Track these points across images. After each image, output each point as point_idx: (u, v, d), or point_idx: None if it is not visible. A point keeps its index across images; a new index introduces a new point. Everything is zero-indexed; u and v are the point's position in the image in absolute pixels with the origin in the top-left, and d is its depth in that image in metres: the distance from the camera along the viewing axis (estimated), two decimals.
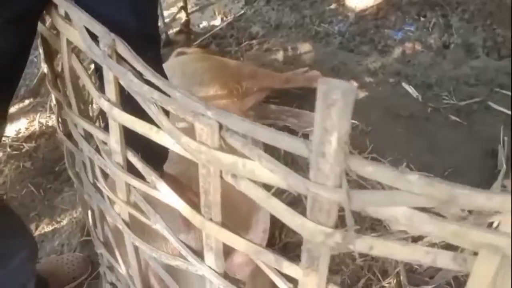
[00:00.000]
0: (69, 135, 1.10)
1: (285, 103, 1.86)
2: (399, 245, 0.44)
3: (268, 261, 0.56)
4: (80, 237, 1.48)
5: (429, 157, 1.65)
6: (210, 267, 0.66)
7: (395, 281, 1.32)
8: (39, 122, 1.86)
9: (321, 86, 0.38)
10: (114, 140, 0.71)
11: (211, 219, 0.60)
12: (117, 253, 1.02)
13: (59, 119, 1.12)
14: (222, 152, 0.50)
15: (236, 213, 0.75)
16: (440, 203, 0.39)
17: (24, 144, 1.76)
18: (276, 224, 1.37)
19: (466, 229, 0.39)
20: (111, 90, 0.65)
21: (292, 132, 1.78)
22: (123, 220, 0.81)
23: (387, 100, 1.92)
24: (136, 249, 0.86)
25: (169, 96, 0.55)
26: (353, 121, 1.75)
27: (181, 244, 0.70)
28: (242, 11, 2.62)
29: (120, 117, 0.65)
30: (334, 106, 0.38)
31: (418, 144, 1.69)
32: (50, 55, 0.95)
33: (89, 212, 1.21)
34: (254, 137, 0.47)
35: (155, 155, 0.71)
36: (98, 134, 0.79)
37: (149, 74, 0.57)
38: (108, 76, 0.64)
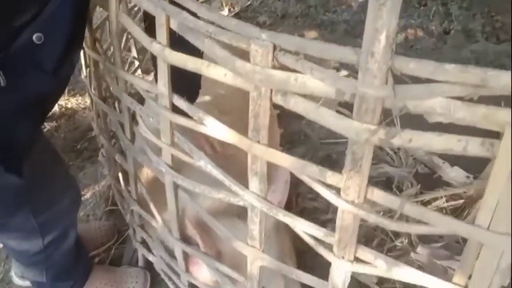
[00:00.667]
0: (103, 99, 1.17)
1: None
2: (435, 135, 0.51)
3: (313, 173, 0.64)
4: (104, 208, 1.55)
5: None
6: (253, 192, 0.74)
7: (407, 240, 1.39)
8: (59, 104, 1.93)
9: None
10: (162, 83, 0.78)
11: (258, 142, 0.67)
12: (152, 207, 1.08)
13: (91, 86, 1.20)
14: (275, 70, 0.58)
15: None
16: (473, 88, 0.46)
17: (45, 124, 1.83)
18: (292, 191, 1.44)
19: (494, 110, 0.47)
20: (162, 33, 0.73)
21: None
22: (166, 164, 0.88)
23: None
24: (175, 193, 0.93)
25: (223, 26, 0.62)
26: None
27: (225, 175, 0.77)
28: (249, 2, 2.70)
29: (171, 57, 0.73)
30: (385, 5, 0.45)
31: (423, 120, 1.77)
32: (90, 19, 1.02)
33: (120, 175, 1.28)
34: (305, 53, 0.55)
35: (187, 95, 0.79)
36: (142, 84, 0.87)
37: (203, 10, 0.64)
38: (160, 20, 0.72)
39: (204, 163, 0.81)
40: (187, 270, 1.09)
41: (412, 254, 1.35)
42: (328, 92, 0.55)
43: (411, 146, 0.53)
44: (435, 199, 1.54)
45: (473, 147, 0.51)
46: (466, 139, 0.51)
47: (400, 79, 0.50)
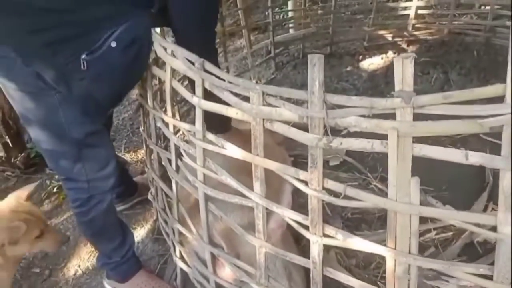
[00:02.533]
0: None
1: None
2: (354, 140, 0.87)
3: (291, 173, 0.99)
4: (151, 236, 1.91)
5: (429, 176, 2.03)
6: (257, 193, 1.09)
7: None
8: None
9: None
10: (198, 124, 1.18)
11: (258, 155, 1.04)
12: (188, 222, 1.44)
13: (148, 135, 1.62)
14: (264, 106, 0.96)
15: (270, 190, 1.16)
16: (369, 109, 0.82)
17: None
18: None
19: (381, 121, 0.82)
20: (198, 90, 1.14)
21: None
22: (199, 180, 1.26)
23: None
24: (206, 204, 1.29)
25: (234, 84, 1.02)
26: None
27: (239, 183, 1.14)
28: (273, 76, 3.17)
29: (205, 105, 1.13)
30: (315, 65, 0.84)
31: (419, 166, 2.07)
32: (151, 88, 1.47)
33: (165, 203, 1.66)
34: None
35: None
36: (184, 126, 1.27)
37: (224, 76, 1.05)
38: (198, 82, 1.13)
39: (225, 177, 1.18)
40: (214, 271, 1.41)
41: None
42: (294, 117, 0.92)
43: (341, 147, 0.88)
44: (428, 231, 1.81)
45: (377, 145, 0.85)
46: (373, 141, 0.86)
47: (331, 107, 0.87)
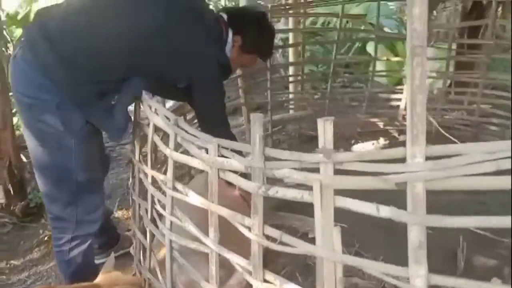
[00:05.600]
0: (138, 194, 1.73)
1: (291, 211, 2.40)
2: (288, 189, 1.00)
3: (238, 219, 1.11)
4: None
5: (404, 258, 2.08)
6: (211, 239, 1.20)
7: None
8: None
9: None
10: (169, 173, 1.33)
11: (213, 202, 1.17)
12: (158, 271, 1.53)
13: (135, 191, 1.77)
14: (219, 157, 1.11)
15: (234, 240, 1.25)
16: (299, 162, 0.96)
17: None
18: None
19: (308, 173, 0.96)
20: (172, 143, 1.30)
21: (296, 231, 2.29)
22: (167, 228, 1.37)
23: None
24: (171, 251, 1.39)
25: (197, 137, 1.18)
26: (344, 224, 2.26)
27: (198, 229, 1.25)
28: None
29: (176, 157, 1.28)
30: (255, 126, 1.00)
31: (393, 248, 2.13)
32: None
33: (140, 254, 1.75)
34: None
35: None
36: (160, 176, 1.42)
37: (191, 130, 1.22)
38: (172, 135, 1.30)
39: (187, 224, 1.30)
40: None
41: None
42: (241, 167, 1.06)
43: (277, 195, 1.01)
44: None
45: (306, 196, 0.98)
46: (302, 192, 0.98)
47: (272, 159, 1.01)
